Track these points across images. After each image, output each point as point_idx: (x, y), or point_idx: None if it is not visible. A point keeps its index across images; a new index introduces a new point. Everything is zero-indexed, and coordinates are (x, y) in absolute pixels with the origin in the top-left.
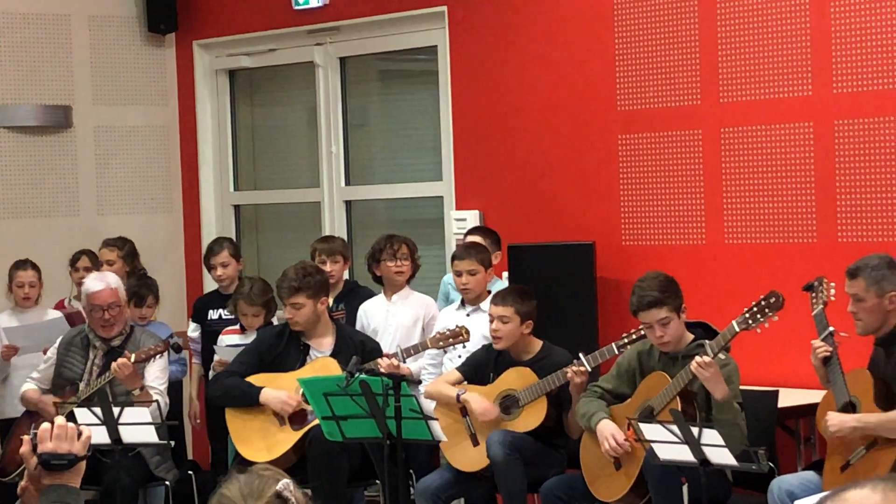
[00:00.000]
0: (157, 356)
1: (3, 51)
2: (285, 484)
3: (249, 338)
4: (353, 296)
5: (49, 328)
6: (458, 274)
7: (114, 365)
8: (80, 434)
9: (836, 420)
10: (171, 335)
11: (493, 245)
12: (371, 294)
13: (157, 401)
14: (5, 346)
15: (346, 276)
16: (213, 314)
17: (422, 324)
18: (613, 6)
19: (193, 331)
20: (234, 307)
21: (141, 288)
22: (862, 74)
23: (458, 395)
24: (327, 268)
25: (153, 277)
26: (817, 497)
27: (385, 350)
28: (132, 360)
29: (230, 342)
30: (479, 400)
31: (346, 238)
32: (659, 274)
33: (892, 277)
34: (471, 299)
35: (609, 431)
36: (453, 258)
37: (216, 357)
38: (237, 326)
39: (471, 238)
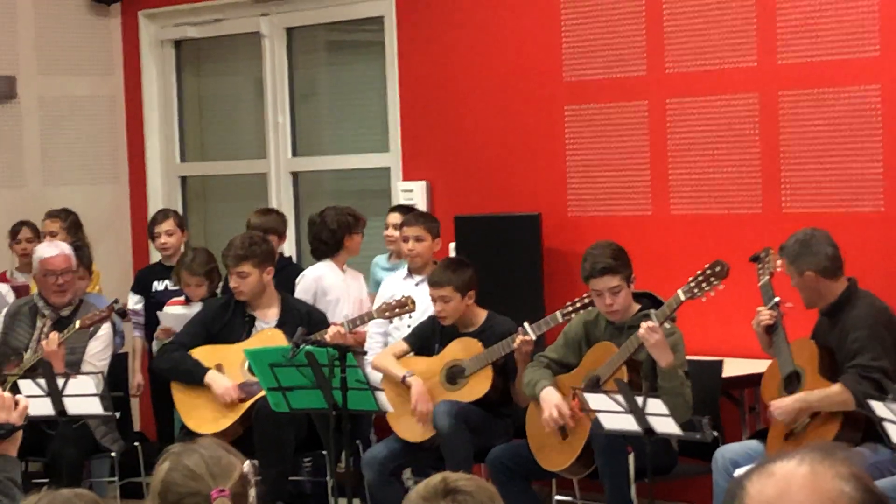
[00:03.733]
0: (102, 324)
1: None
2: (250, 466)
3: (194, 309)
4: (286, 272)
5: None
6: (406, 240)
7: (44, 341)
8: (16, 404)
9: (780, 406)
10: (115, 300)
11: (431, 228)
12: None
13: (101, 373)
14: None
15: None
16: (158, 286)
17: (363, 294)
18: None
19: (136, 303)
20: (178, 278)
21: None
22: (807, 45)
23: (404, 377)
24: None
25: (88, 250)
26: None
27: (336, 320)
28: (77, 326)
29: (174, 313)
30: (421, 389)
31: (293, 209)
32: (611, 243)
33: (807, 256)
34: (417, 267)
35: (553, 401)
36: (402, 225)
37: (161, 325)
38: (182, 298)
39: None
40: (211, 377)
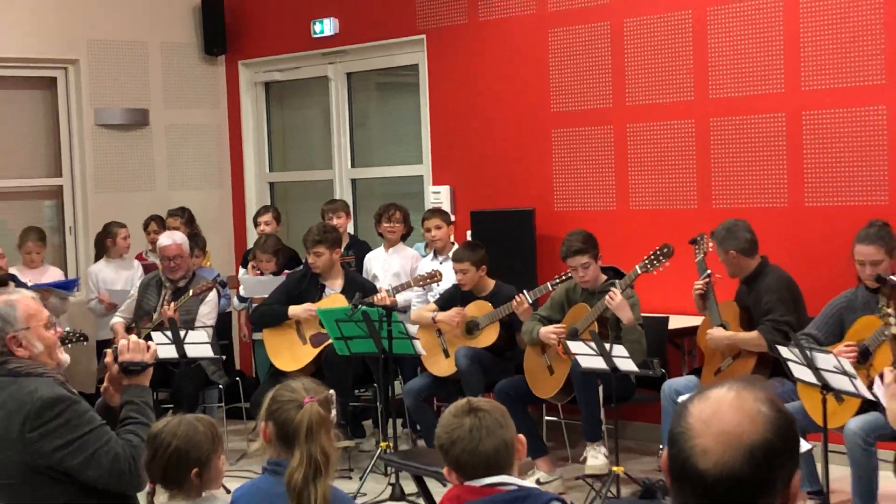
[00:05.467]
0: (208, 292)
1: (99, 67)
2: (333, 393)
3: (265, 279)
4: (358, 246)
5: (125, 295)
6: (428, 230)
7: (164, 307)
8: (148, 348)
9: (715, 335)
10: (217, 275)
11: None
12: (368, 246)
13: (211, 327)
14: (108, 303)
15: (351, 230)
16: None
17: (409, 269)
18: (548, 37)
19: (244, 275)
20: (253, 255)
21: (189, 241)
22: (734, 79)
23: (433, 318)
24: (333, 222)
25: (204, 236)
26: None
27: (380, 287)
28: (190, 294)
29: (253, 280)
30: (445, 314)
31: (352, 207)
32: (582, 231)
33: (731, 240)
34: (438, 248)
35: (549, 331)
36: (423, 220)
37: (241, 289)
38: (258, 271)
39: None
40: (293, 309)
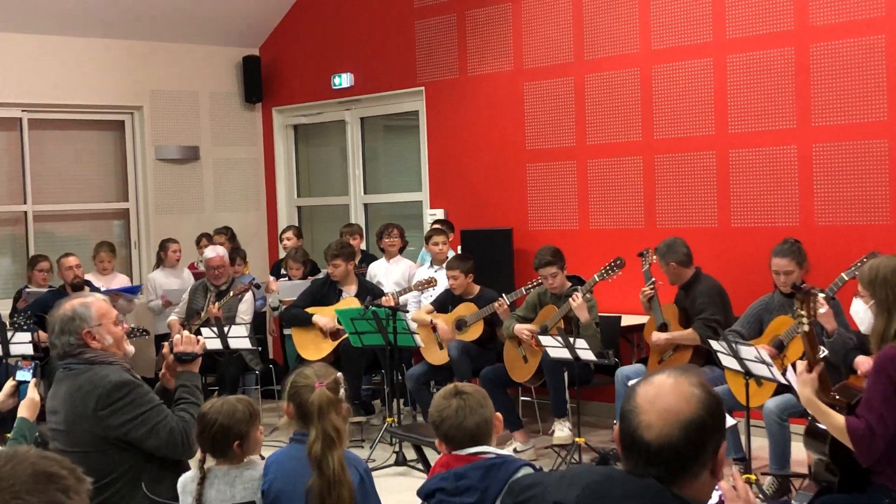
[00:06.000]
0: (247, 293)
1: (159, 112)
2: (341, 376)
3: (295, 283)
4: (369, 260)
5: (180, 294)
6: (435, 244)
7: (211, 307)
8: (198, 341)
9: (656, 338)
10: (252, 279)
11: (450, 230)
12: (376, 259)
13: (248, 323)
14: (165, 301)
15: (363, 247)
16: (284, 271)
17: (407, 277)
18: (523, 89)
19: (273, 282)
20: (285, 264)
21: (232, 253)
22: (674, 123)
23: (431, 321)
24: (351, 242)
25: (244, 249)
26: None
27: (386, 292)
28: (231, 294)
29: (286, 284)
30: (443, 325)
31: (364, 226)
32: (551, 246)
33: (670, 254)
34: (440, 259)
35: (522, 329)
36: (429, 235)
37: (276, 293)
38: (286, 277)
39: (437, 225)
40: (315, 318)
